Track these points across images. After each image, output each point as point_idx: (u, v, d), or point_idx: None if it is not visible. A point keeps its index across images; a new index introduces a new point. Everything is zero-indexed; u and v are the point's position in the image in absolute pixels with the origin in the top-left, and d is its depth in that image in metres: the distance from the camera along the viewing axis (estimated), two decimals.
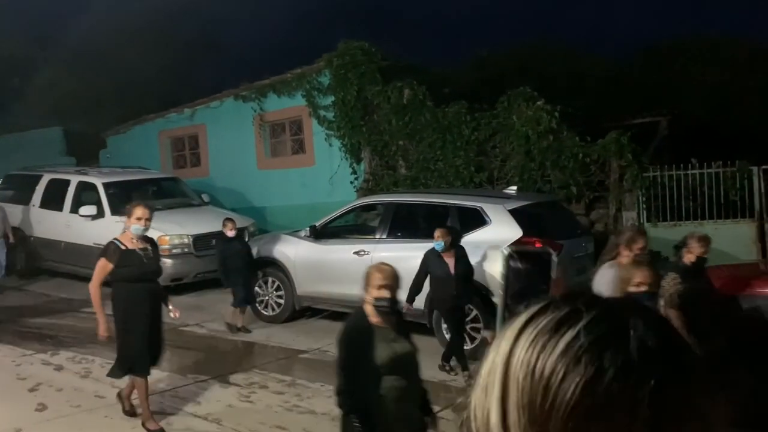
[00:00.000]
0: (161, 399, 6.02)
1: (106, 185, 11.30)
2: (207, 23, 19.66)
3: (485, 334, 7.07)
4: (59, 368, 6.97)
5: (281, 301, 8.77)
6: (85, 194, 11.42)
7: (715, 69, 13.70)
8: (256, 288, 8.98)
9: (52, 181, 12.01)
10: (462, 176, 10.77)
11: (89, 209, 11.03)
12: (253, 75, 13.69)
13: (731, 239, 8.79)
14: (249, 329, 8.31)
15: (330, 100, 12.44)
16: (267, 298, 8.91)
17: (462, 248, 6.71)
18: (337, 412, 5.67)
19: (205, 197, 12.19)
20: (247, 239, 10.54)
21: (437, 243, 6.58)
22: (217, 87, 14.39)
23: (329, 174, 12.42)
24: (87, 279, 11.39)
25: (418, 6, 19.82)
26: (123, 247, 5.18)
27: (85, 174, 11.91)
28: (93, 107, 17.11)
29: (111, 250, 5.17)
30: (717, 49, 14.23)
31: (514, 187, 8.67)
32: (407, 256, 7.78)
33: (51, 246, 11.63)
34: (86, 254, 11.15)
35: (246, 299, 8.30)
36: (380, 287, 3.59)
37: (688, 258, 5.01)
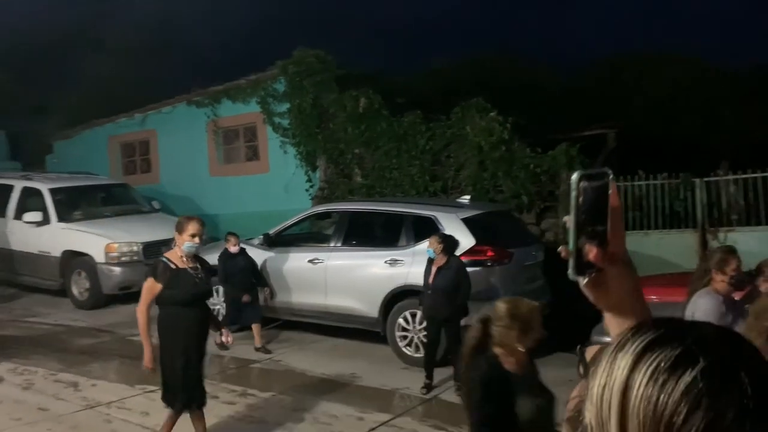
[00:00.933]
0: (107, 410, 5.86)
1: (52, 191, 10.99)
2: (159, 27, 19.34)
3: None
4: None
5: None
6: (30, 200, 11.07)
7: (662, 85, 14.18)
8: None
9: None
10: (417, 185, 10.85)
11: (34, 216, 10.70)
12: (206, 81, 13.53)
13: (676, 248, 9.09)
14: (226, 347, 7.83)
15: (285, 107, 12.38)
16: (218, 307, 8.78)
17: (455, 259, 6.52)
18: (289, 422, 5.64)
19: (156, 204, 11.96)
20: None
21: (428, 250, 6.54)
22: (169, 92, 14.16)
23: (284, 181, 12.34)
24: (31, 288, 11.12)
25: (373, 15, 19.95)
26: (173, 266, 4.62)
27: (30, 179, 11.55)
28: (39, 110, 16.61)
29: (160, 269, 4.61)
30: (664, 66, 14.74)
31: (468, 197, 8.78)
32: (362, 264, 7.81)
33: None
34: (31, 262, 10.83)
35: (257, 315, 7.78)
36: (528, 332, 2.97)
37: (765, 286, 4.45)
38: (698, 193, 9.44)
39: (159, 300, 4.65)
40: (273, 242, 8.51)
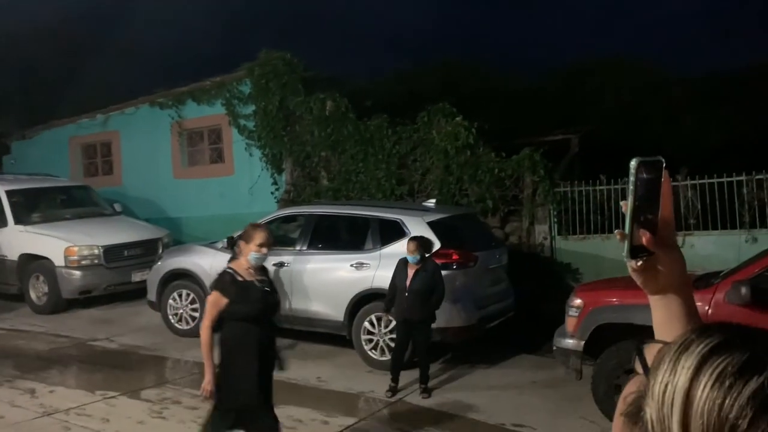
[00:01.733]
0: (66, 417, 5.73)
1: (9, 193, 10.72)
2: (122, 26, 19.02)
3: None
4: None
5: (196, 314, 8.55)
6: None
7: (622, 91, 14.49)
8: (170, 301, 8.72)
9: None
10: (383, 188, 10.88)
11: None
12: (170, 82, 13.35)
13: None
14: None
15: (251, 109, 12.30)
16: (181, 311, 8.67)
17: (430, 261, 6.51)
18: None
19: (118, 207, 11.75)
20: (161, 250, 10.25)
21: (410, 257, 6.38)
22: (130, 93, 13.93)
23: (249, 184, 12.25)
24: None
25: (339, 19, 19.95)
26: (240, 279, 4.20)
27: None
28: None
29: (227, 281, 4.17)
30: (624, 72, 15.07)
31: (433, 200, 8.84)
32: (328, 267, 7.80)
33: None
34: None
35: None
36: None
37: None
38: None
39: (225, 316, 4.16)
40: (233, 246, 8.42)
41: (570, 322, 5.98)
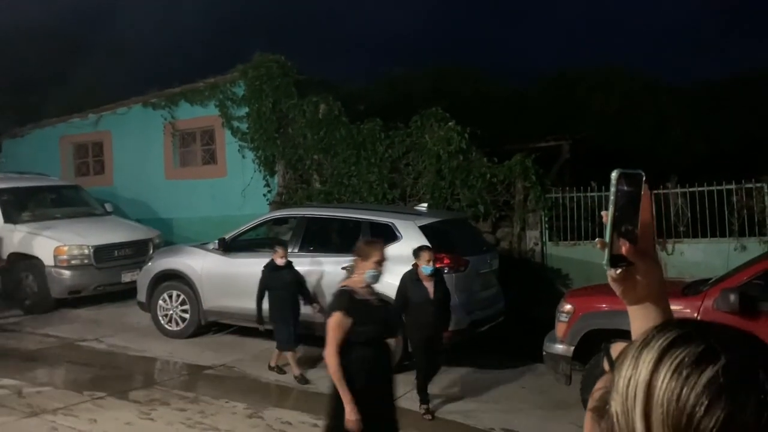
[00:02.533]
0: (53, 417, 5.70)
1: None
2: (116, 26, 18.99)
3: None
4: None
5: (186, 315, 8.52)
6: None
7: (612, 98, 14.58)
8: (159, 302, 8.69)
9: None
10: (375, 192, 10.89)
11: None
12: (162, 82, 13.33)
13: None
14: (283, 369, 7.10)
15: (244, 111, 12.29)
16: (171, 312, 8.64)
17: (440, 270, 6.35)
18: (242, 429, 5.58)
19: (108, 207, 11.70)
20: (152, 251, 10.21)
21: (425, 267, 5.98)
22: (123, 93, 13.88)
23: (241, 186, 12.23)
24: None
25: (333, 24, 20.00)
26: (359, 298, 3.90)
27: None
28: None
29: (348, 299, 3.82)
30: (614, 80, 15.17)
31: (425, 204, 8.86)
32: (319, 270, 7.79)
33: None
34: None
35: (290, 339, 7.01)
36: None
37: None
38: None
39: (348, 338, 3.79)
40: (229, 247, 8.42)
41: (560, 328, 6.00)
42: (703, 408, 0.69)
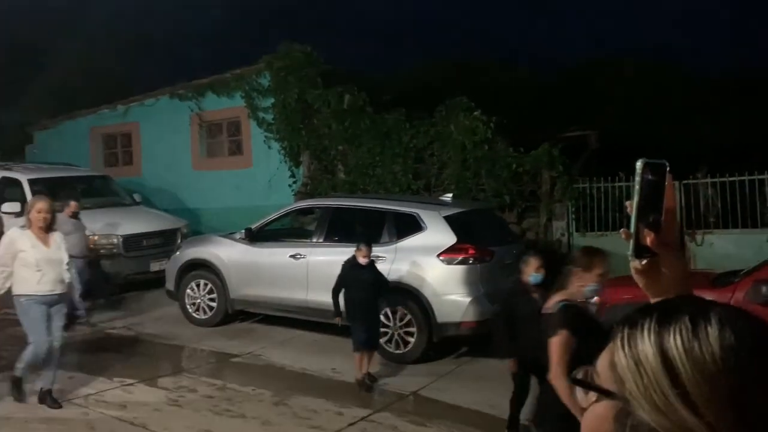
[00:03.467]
0: (85, 403, 5.83)
1: (31, 181, 10.87)
2: (144, 18, 19.20)
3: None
4: None
5: (213, 304, 8.63)
6: (9, 190, 10.93)
7: (639, 88, 14.35)
8: (187, 290, 8.80)
9: None
10: (400, 182, 10.89)
11: (12, 206, 10.54)
12: (189, 74, 13.47)
13: None
14: (375, 376, 6.61)
15: (270, 102, 12.35)
16: (199, 300, 8.76)
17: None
18: (269, 416, 5.65)
19: (137, 197, 11.88)
20: (180, 240, 10.34)
21: (534, 276, 5.32)
22: (151, 84, 14.06)
23: (266, 176, 12.31)
24: None
25: (357, 13, 19.96)
26: (583, 313, 3.46)
27: (9, 169, 11.41)
28: (19, 100, 16.41)
29: (575, 315, 3.33)
30: (641, 69, 14.92)
31: (450, 195, 8.83)
32: (343, 260, 7.82)
33: None
34: None
35: (369, 341, 6.54)
36: None
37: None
38: (677, 195, 9.58)
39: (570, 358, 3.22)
40: (255, 237, 8.49)
41: None
42: (732, 361, 0.72)
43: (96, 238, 10.11)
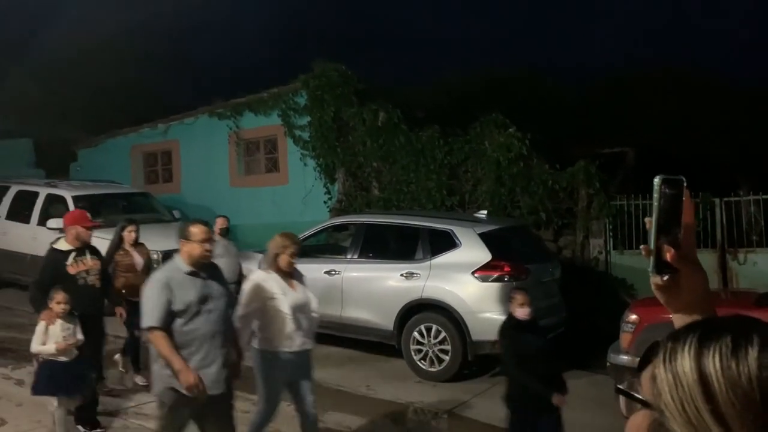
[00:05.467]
0: (124, 416, 5.93)
1: (75, 198, 11.18)
2: (182, 38, 19.70)
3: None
4: (20, 383, 6.82)
5: None
6: (54, 207, 11.26)
7: (677, 102, 14.12)
8: None
9: (20, 193, 11.82)
10: (434, 199, 10.89)
11: (57, 222, 10.83)
12: (226, 92, 13.73)
13: None
14: None
15: (306, 120, 12.51)
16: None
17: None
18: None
19: (177, 213, 12.11)
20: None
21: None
22: (190, 103, 14.37)
23: (302, 193, 12.45)
24: None
25: (389, 29, 20.12)
26: None
27: (55, 186, 11.76)
28: (64, 119, 16.94)
29: None
30: (679, 83, 14.68)
31: (485, 212, 8.80)
32: (378, 276, 7.85)
33: (15, 258, 11.40)
34: None
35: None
36: None
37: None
38: (717, 213, 9.38)
39: None
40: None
41: (624, 338, 5.87)
42: (756, 379, 0.73)
43: None
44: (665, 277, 1.04)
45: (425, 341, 7.34)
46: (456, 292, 7.23)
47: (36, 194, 11.58)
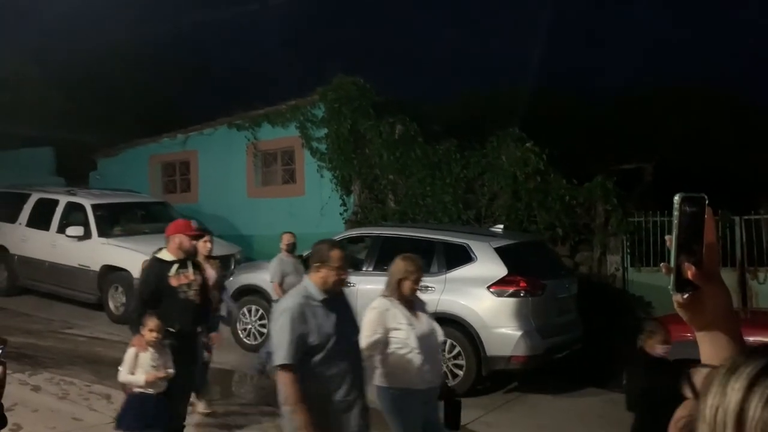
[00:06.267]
0: None
1: (94, 206, 11.29)
2: (202, 49, 19.94)
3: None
4: (36, 389, 6.89)
5: (264, 330, 8.74)
6: (73, 215, 11.39)
7: (694, 119, 14.02)
8: (239, 316, 8.94)
9: (40, 201, 11.98)
10: (450, 212, 10.88)
11: (76, 230, 10.99)
12: (245, 104, 13.84)
13: None
14: None
15: (323, 132, 12.58)
16: (250, 326, 8.89)
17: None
18: None
19: (194, 223, 12.15)
20: (233, 266, 10.53)
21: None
22: (208, 114, 14.50)
23: (318, 204, 12.49)
24: (69, 300, 11.33)
25: (406, 43, 20.25)
26: None
27: (74, 194, 11.91)
28: (85, 128, 17.16)
29: None
30: (696, 100, 14.59)
31: (501, 226, 8.77)
32: None
33: (34, 265, 11.54)
34: (70, 275, 11.11)
35: None
36: None
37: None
38: (737, 231, 9.28)
39: None
40: (306, 264, 8.59)
41: None
42: None
43: None
44: (686, 295, 1.03)
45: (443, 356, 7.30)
46: (471, 306, 7.20)
47: (56, 202, 11.73)
